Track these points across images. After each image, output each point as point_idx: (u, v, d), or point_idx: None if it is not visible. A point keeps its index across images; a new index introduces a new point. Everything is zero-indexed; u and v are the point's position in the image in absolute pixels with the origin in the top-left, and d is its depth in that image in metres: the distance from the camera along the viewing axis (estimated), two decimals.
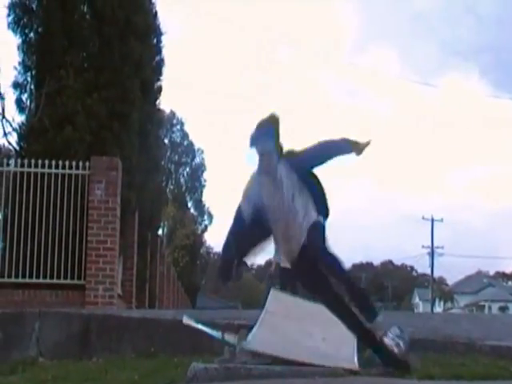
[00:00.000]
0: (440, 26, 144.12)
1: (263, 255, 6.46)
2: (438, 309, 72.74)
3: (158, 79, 16.52)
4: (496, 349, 6.39)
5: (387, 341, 5.34)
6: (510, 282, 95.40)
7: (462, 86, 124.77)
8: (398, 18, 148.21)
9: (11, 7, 12.90)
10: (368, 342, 5.45)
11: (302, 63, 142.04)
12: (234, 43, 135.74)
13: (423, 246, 68.44)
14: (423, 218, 66.62)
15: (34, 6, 13.02)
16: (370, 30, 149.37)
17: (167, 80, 21.35)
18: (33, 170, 11.18)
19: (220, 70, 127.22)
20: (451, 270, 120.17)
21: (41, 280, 10.87)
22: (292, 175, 5.72)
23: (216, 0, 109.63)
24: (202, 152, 65.75)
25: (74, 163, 11.16)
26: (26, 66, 12.91)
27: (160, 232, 31.56)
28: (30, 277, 10.85)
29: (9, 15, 12.88)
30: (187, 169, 64.94)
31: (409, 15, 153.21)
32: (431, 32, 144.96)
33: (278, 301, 5.63)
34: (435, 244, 67.14)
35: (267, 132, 5.69)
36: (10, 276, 10.91)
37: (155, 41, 15.63)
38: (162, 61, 16.35)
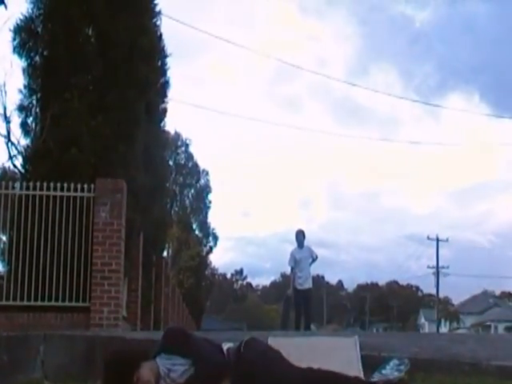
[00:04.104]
0: (439, 47, 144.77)
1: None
2: (444, 329, 72.44)
3: (163, 101, 16.61)
4: (502, 369, 6.35)
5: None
6: None
7: (463, 105, 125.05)
8: (397, 38, 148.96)
9: (17, 31, 12.97)
10: None
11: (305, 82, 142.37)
12: (238, 64, 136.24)
13: (428, 266, 68.38)
14: (428, 237, 66.58)
15: (39, 30, 13.10)
16: (370, 51, 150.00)
17: (172, 101, 21.46)
18: (38, 192, 11.19)
19: (225, 91, 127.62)
20: (457, 290, 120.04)
21: (46, 303, 10.83)
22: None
23: (220, 22, 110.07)
24: (207, 173, 65.90)
25: (79, 185, 11.13)
26: (31, 89, 12.97)
27: (165, 254, 31.58)
28: (35, 299, 10.83)
29: (14, 39, 12.96)
30: (192, 190, 64.97)
31: (408, 36, 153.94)
32: (430, 52, 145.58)
33: (278, 344, 5.67)
34: (440, 264, 67.06)
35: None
36: (14, 299, 10.88)
37: (160, 63, 15.72)
38: (166, 83, 16.46)
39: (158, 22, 15.39)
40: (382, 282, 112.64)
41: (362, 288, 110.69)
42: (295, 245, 15.50)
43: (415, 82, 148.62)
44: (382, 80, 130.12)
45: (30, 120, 12.98)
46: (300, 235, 15.44)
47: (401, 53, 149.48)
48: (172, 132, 51.74)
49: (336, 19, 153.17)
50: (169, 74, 16.48)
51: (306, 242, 15.52)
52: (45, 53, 12.99)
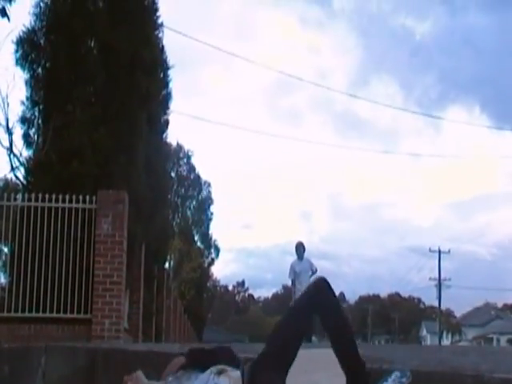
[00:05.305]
0: (439, 59, 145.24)
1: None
2: (446, 341, 72.28)
3: (165, 113, 16.61)
4: (505, 381, 6.32)
5: None
6: None
7: (463, 117, 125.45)
8: (397, 50, 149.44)
9: (19, 43, 13.02)
10: None
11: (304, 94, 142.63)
12: (239, 76, 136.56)
13: (430, 278, 68.27)
14: (430, 249, 66.47)
15: (41, 42, 13.15)
16: (371, 63, 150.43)
17: (174, 113, 21.46)
18: (40, 204, 11.20)
19: (226, 104, 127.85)
20: (459, 302, 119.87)
21: (47, 314, 10.83)
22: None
23: (222, 35, 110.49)
24: (209, 185, 65.77)
25: (80, 197, 11.15)
26: (33, 101, 13.00)
27: (166, 265, 31.48)
28: (37, 311, 10.83)
29: (17, 51, 13.00)
30: (194, 202, 64.79)
31: (408, 48, 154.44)
32: (431, 64, 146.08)
33: None
34: (442, 276, 66.94)
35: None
36: (16, 310, 10.88)
37: (162, 75, 15.73)
38: (168, 94, 16.46)
39: (160, 34, 15.43)
40: (383, 293, 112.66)
41: (363, 300, 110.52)
42: (295, 257, 15.49)
43: (416, 94, 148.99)
44: (383, 92, 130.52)
45: (32, 132, 13.01)
46: (300, 247, 15.43)
47: (401, 65, 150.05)
48: (174, 144, 51.69)
49: (336, 31, 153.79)
50: (171, 85, 16.49)
51: (306, 254, 15.53)
52: (47, 65, 13.03)
